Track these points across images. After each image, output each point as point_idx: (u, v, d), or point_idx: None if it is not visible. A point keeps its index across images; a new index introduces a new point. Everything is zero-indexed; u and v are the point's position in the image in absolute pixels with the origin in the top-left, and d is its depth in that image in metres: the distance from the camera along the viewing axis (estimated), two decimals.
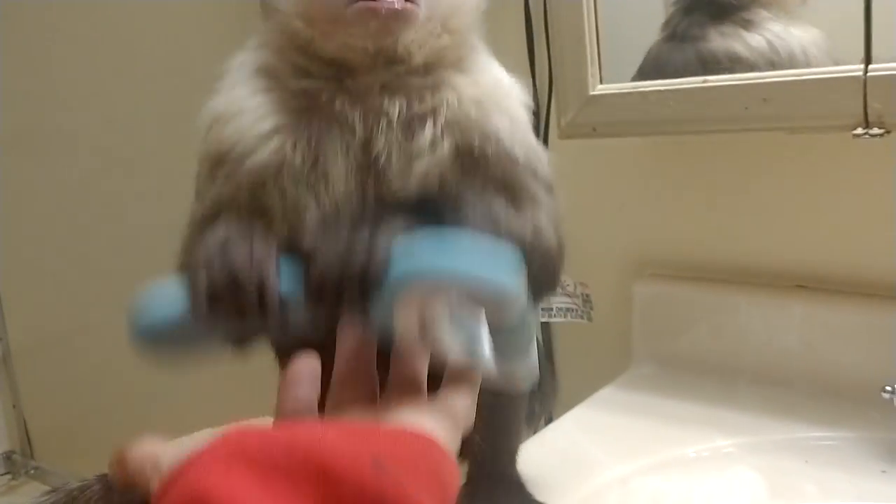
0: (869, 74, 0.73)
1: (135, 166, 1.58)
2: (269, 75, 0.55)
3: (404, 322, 0.45)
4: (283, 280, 0.47)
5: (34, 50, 1.69)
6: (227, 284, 0.47)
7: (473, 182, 0.54)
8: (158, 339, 0.48)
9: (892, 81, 0.72)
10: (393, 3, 0.51)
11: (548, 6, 0.91)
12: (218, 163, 0.54)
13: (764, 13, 0.82)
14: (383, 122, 0.53)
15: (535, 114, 1.02)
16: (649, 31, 0.93)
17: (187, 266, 0.50)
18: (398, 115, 0.53)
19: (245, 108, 0.54)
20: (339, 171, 0.53)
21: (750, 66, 0.81)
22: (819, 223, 0.89)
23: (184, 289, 0.47)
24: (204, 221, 0.53)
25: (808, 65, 0.79)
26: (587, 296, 1.02)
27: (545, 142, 1.03)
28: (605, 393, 0.94)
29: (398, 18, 0.52)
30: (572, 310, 1.01)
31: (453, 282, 0.44)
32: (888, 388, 0.75)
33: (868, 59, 0.73)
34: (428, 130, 0.53)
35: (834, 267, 0.89)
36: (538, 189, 0.58)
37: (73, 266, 1.76)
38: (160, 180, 1.50)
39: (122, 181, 1.61)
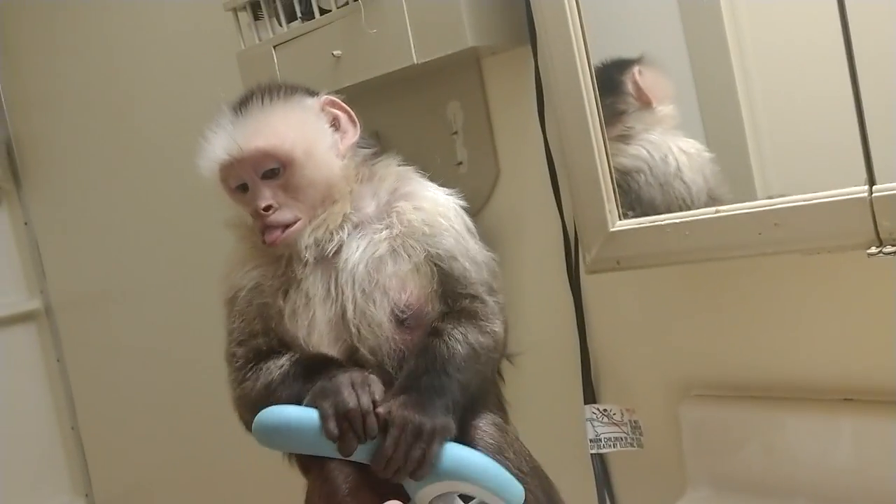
0: (874, 195, 0.75)
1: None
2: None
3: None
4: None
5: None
6: (344, 415, 0.76)
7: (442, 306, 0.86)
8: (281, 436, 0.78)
9: None
10: (275, 235, 0.84)
11: (565, 151, 0.96)
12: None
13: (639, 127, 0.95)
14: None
15: (566, 251, 1.07)
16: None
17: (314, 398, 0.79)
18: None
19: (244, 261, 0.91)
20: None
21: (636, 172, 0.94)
22: (859, 335, 0.89)
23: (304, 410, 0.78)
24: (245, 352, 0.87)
25: (677, 166, 0.93)
26: (635, 422, 1.03)
27: (577, 276, 1.06)
28: None
29: (288, 239, 0.85)
30: (621, 438, 1.02)
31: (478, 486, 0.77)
32: None
33: (871, 181, 0.75)
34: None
35: (879, 378, 0.88)
36: (482, 292, 0.86)
37: (154, 419, 1.82)
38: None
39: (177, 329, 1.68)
